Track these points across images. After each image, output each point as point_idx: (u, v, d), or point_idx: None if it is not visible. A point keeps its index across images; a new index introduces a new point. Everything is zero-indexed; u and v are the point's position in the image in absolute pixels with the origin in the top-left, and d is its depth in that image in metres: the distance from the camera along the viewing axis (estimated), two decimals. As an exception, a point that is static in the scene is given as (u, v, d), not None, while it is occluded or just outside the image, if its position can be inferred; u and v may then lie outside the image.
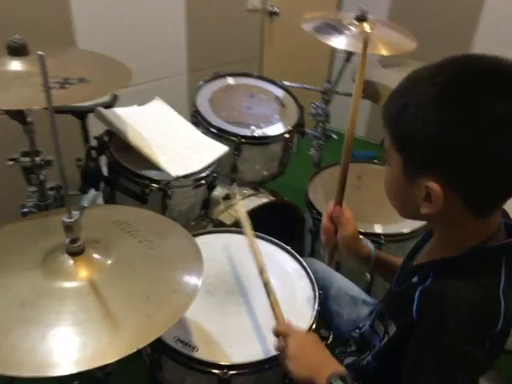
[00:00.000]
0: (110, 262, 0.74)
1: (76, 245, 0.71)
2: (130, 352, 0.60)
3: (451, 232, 0.70)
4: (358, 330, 1.02)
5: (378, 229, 1.36)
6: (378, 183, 1.64)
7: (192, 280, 0.74)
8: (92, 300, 0.67)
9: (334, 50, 2.93)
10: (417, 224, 1.37)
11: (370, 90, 1.64)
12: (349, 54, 1.59)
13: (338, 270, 1.46)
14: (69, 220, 0.69)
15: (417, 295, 0.67)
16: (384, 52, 1.46)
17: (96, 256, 0.74)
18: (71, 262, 0.72)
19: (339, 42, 1.46)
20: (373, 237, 1.33)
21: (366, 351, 0.89)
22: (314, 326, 0.96)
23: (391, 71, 1.70)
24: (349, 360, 0.92)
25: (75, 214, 0.71)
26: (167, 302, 0.68)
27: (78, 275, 0.71)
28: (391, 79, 1.65)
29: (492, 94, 0.59)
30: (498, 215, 0.69)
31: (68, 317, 0.65)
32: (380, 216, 1.45)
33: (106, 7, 1.81)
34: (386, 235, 1.34)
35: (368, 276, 1.43)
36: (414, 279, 0.72)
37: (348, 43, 1.46)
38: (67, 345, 0.62)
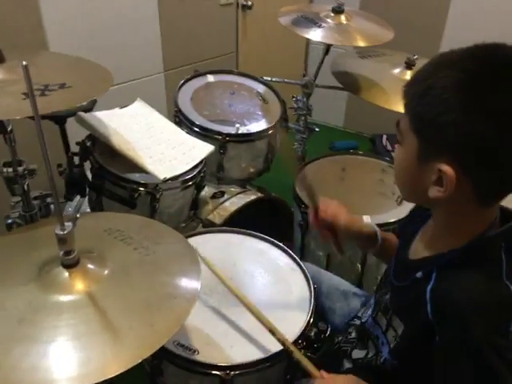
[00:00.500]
0: (106, 271, 0.72)
1: (70, 257, 0.70)
2: (134, 363, 0.60)
3: (454, 220, 0.70)
4: (356, 320, 1.04)
5: (366, 219, 1.37)
6: (361, 174, 1.67)
7: (191, 284, 0.73)
8: (91, 312, 0.66)
9: (309, 42, 2.94)
10: (403, 212, 1.39)
11: (348, 81, 1.65)
12: (327, 47, 1.59)
13: (328, 262, 1.48)
14: (62, 232, 0.68)
15: (428, 297, 0.67)
16: (362, 43, 1.47)
17: (91, 267, 0.73)
18: (66, 274, 0.70)
19: (317, 35, 1.46)
20: (362, 228, 1.35)
21: (366, 341, 0.91)
22: (311, 320, 0.97)
23: (369, 61, 1.72)
24: (357, 354, 0.92)
25: (68, 225, 0.69)
26: (168, 308, 0.68)
27: (75, 288, 0.69)
28: (369, 69, 1.67)
29: (498, 92, 0.58)
30: (499, 203, 0.70)
31: (67, 331, 0.64)
32: (366, 206, 1.47)
33: (77, 7, 1.76)
34: (374, 225, 1.34)
35: (359, 267, 1.45)
36: (419, 274, 0.72)
37: (326, 36, 1.46)
38: (68, 361, 0.61)
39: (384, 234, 1.00)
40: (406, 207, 1.42)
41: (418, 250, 0.79)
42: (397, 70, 1.61)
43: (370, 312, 0.92)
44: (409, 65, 1.59)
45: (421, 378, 0.74)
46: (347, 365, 0.95)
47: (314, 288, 1.04)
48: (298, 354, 0.84)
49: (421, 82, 0.65)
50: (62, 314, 0.66)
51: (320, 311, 1.13)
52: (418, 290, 0.70)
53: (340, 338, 1.02)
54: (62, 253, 0.70)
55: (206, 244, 1.17)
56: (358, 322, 1.01)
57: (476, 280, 0.65)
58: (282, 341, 0.85)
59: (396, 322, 0.78)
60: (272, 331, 0.86)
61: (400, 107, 1.48)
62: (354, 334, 0.99)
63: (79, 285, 0.69)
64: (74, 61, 1.09)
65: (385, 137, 2.92)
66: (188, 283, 0.74)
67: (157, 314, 0.66)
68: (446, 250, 0.70)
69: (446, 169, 0.62)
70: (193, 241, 1.17)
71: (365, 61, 1.71)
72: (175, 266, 0.77)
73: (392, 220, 1.37)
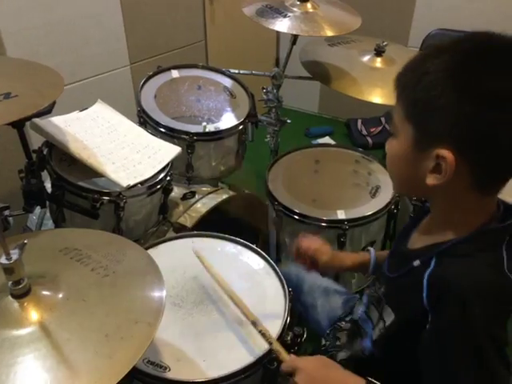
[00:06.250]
0: (60, 299, 0.68)
1: (20, 286, 0.65)
2: (92, 400, 0.56)
3: (453, 210, 0.70)
4: (344, 323, 1.02)
5: (341, 215, 1.36)
6: (335, 165, 1.65)
7: (153, 306, 0.70)
8: (45, 346, 0.61)
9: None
10: (379, 205, 1.38)
11: (318, 71, 1.61)
12: (295, 36, 1.54)
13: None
14: (8, 262, 0.63)
15: (425, 283, 0.66)
16: (330, 33, 1.42)
17: (45, 294, 0.68)
18: (17, 305, 0.65)
19: (283, 26, 1.40)
20: (336, 223, 1.33)
21: (357, 339, 0.89)
22: (286, 325, 0.95)
23: (338, 49, 1.68)
24: (342, 356, 0.91)
25: (14, 252, 0.64)
26: (128, 336, 0.64)
27: (27, 320, 0.64)
28: (339, 58, 1.63)
29: (505, 72, 0.60)
30: (497, 196, 0.70)
31: (21, 369, 0.59)
32: (341, 200, 1.45)
33: (32, 2, 1.66)
34: (349, 220, 1.33)
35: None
36: (416, 263, 0.71)
37: (292, 26, 1.41)
38: (23, 401, 0.57)
39: (379, 256, 0.99)
40: (381, 200, 1.42)
41: (417, 240, 0.79)
42: (366, 58, 1.58)
43: (363, 308, 0.91)
44: (378, 52, 1.56)
45: (404, 367, 0.74)
46: None
47: (289, 291, 1.02)
48: (275, 344, 0.84)
49: (413, 70, 0.66)
50: (14, 350, 0.61)
51: (302, 309, 1.13)
52: (414, 277, 0.69)
53: (328, 343, 1.00)
54: (10, 283, 0.65)
55: (177, 250, 1.13)
56: (347, 325, 1.00)
57: (478, 267, 0.64)
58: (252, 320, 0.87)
59: (387, 312, 0.77)
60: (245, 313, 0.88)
61: (370, 96, 1.47)
62: (344, 339, 0.97)
63: (32, 316, 0.65)
64: (22, 65, 1.02)
65: (360, 121, 2.91)
66: (150, 305, 0.70)
67: (115, 343, 0.62)
68: (447, 239, 0.69)
69: (445, 153, 0.62)
70: (161, 248, 1.13)
71: (334, 48, 1.67)
72: (136, 287, 0.73)
73: (368, 213, 1.36)
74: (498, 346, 0.62)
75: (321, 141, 2.76)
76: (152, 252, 1.10)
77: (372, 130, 2.88)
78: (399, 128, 0.69)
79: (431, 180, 0.65)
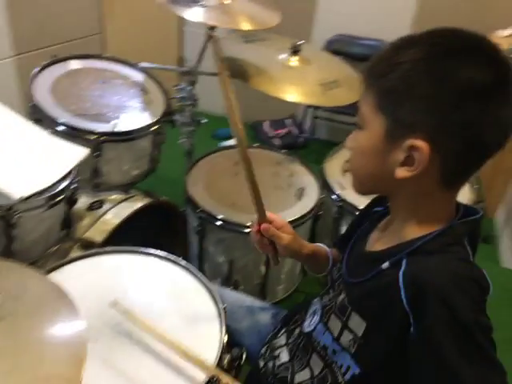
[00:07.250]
0: None
1: None
2: None
3: (419, 207, 0.68)
4: (277, 340, 0.93)
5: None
6: (256, 167, 1.56)
7: (70, 352, 0.54)
8: None
9: (182, 24, 2.74)
10: (304, 208, 1.34)
11: (235, 68, 1.53)
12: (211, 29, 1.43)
13: (230, 267, 1.37)
14: None
15: (401, 282, 0.63)
16: (246, 27, 1.34)
17: None
18: None
19: (197, 15, 1.28)
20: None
21: (309, 357, 0.81)
22: (223, 348, 0.84)
23: (255, 46, 1.62)
24: (301, 377, 0.82)
25: None
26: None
27: None
28: (256, 55, 1.57)
29: (471, 65, 0.60)
30: (456, 195, 0.70)
31: None
32: (264, 202, 1.38)
33: None
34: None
35: (262, 269, 1.36)
36: (385, 265, 0.68)
37: (208, 16, 1.30)
38: None
39: (334, 254, 0.95)
40: (307, 202, 1.38)
41: (378, 242, 0.76)
42: (282, 56, 1.55)
43: (316, 319, 0.83)
44: (294, 50, 1.53)
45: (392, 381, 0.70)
46: None
47: (224, 308, 0.91)
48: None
49: (386, 60, 0.65)
50: None
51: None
52: (386, 280, 0.67)
53: (270, 365, 0.90)
54: None
55: (87, 272, 0.96)
56: (282, 341, 0.91)
57: (451, 261, 0.64)
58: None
59: (354, 321, 0.71)
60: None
61: (286, 95, 1.44)
62: (285, 357, 0.88)
63: None
64: None
65: (266, 123, 2.91)
66: (66, 353, 0.54)
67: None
68: (414, 237, 0.67)
69: (420, 144, 0.61)
70: (67, 272, 0.94)
71: (250, 45, 1.61)
72: (45, 328, 0.56)
73: (295, 217, 1.30)
74: (488, 334, 0.61)
75: (228, 143, 2.70)
76: (56, 276, 0.92)
77: (277, 131, 2.91)
78: (369, 119, 0.67)
79: (401, 173, 0.64)
